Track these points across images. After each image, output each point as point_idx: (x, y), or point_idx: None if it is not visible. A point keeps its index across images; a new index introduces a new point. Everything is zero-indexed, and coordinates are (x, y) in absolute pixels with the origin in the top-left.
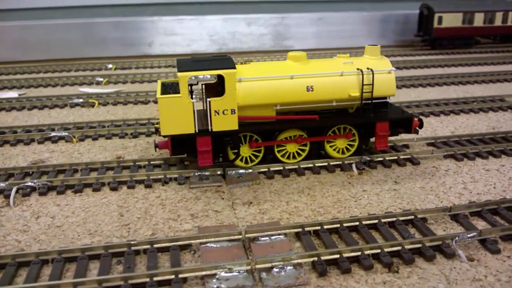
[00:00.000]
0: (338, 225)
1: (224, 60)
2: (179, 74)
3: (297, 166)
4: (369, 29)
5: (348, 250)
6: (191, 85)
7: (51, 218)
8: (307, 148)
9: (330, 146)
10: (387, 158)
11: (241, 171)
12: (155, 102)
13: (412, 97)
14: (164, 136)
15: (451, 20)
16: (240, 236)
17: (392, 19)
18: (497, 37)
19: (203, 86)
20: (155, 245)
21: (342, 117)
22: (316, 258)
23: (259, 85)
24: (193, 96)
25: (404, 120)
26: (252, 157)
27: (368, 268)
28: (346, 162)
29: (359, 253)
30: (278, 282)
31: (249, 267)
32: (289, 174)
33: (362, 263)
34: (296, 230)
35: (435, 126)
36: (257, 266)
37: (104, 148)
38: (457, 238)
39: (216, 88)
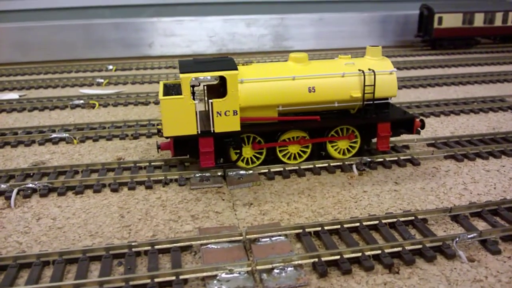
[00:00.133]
0: (338, 226)
1: (226, 62)
2: (181, 75)
3: (297, 167)
4: (369, 29)
5: (348, 251)
6: (193, 86)
7: (52, 220)
8: (309, 149)
9: (332, 147)
10: (387, 159)
11: (241, 172)
12: (156, 103)
13: (412, 97)
14: (166, 137)
15: (451, 20)
16: (241, 237)
17: (392, 19)
18: (497, 38)
19: (205, 87)
20: (156, 247)
21: (344, 118)
22: (316, 259)
23: (261, 86)
24: (195, 97)
25: (406, 121)
26: (254, 158)
27: (368, 269)
28: (346, 163)
29: (359, 254)
30: (279, 283)
31: (249, 268)
32: (290, 175)
33: (363, 264)
34: (296, 231)
35: (435, 127)
36: (258, 267)
37: (105, 149)
38: (457, 239)
39: (218, 89)
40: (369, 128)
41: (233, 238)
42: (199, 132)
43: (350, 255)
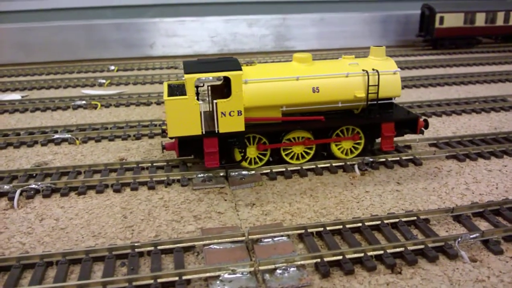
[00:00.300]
0: (340, 226)
1: (230, 62)
2: (185, 76)
3: (299, 168)
4: (371, 29)
5: (351, 251)
6: (197, 86)
7: (55, 220)
8: (313, 149)
9: (336, 147)
10: (389, 159)
11: (243, 172)
12: (157, 103)
13: (414, 97)
14: (171, 138)
15: (452, 20)
16: (243, 238)
17: (394, 19)
18: (498, 37)
19: (209, 87)
20: (159, 247)
21: (348, 118)
22: (319, 260)
23: (265, 86)
24: (199, 98)
25: (410, 121)
26: (257, 159)
27: (371, 269)
28: (348, 163)
29: (362, 254)
30: (282, 283)
31: (252, 269)
32: (292, 176)
33: (365, 264)
34: (299, 231)
35: (437, 127)
36: (261, 268)
37: (107, 150)
38: (459, 239)
39: (222, 90)
40: (373, 128)
41: (235, 239)
42: (204, 133)
43: (352, 255)
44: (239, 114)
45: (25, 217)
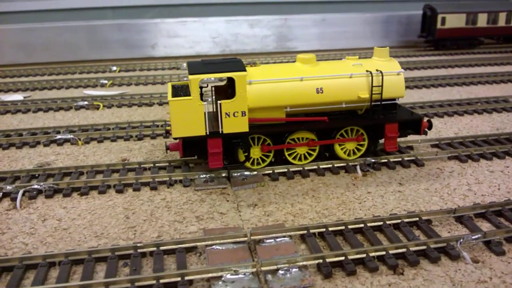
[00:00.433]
0: (343, 227)
1: (234, 63)
2: (190, 76)
3: (301, 168)
4: (372, 30)
5: (353, 252)
6: (201, 87)
7: (57, 221)
8: (316, 150)
9: (340, 148)
10: (391, 160)
11: (245, 173)
12: (160, 104)
13: (416, 98)
14: (175, 138)
15: (454, 20)
16: (246, 238)
17: (395, 20)
18: (500, 38)
19: (213, 88)
20: (161, 248)
21: (352, 119)
22: (321, 260)
23: (269, 87)
24: (203, 99)
25: (413, 122)
26: (260, 160)
27: (373, 270)
28: (350, 164)
29: (364, 255)
30: (284, 284)
31: (254, 269)
32: (294, 176)
33: (367, 265)
34: (301, 232)
35: (439, 128)
36: (263, 268)
37: (109, 150)
38: (461, 240)
39: (226, 91)
40: (376, 128)
41: (237, 239)
42: (208, 133)
43: (354, 256)
44: (243, 114)
45: (27, 217)
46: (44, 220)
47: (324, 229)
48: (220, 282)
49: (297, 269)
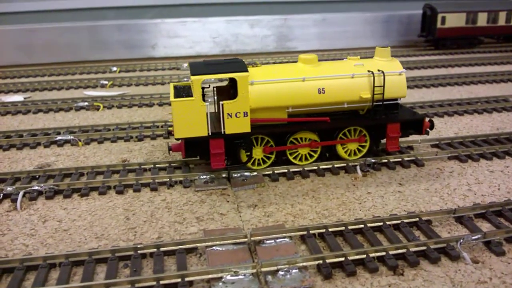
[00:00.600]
0: (343, 228)
1: (236, 63)
2: (192, 77)
3: (301, 169)
4: (373, 29)
5: (353, 253)
6: (203, 88)
7: (58, 222)
8: (318, 150)
9: (342, 148)
10: (391, 160)
11: (246, 173)
12: (160, 105)
13: (416, 98)
14: (177, 139)
15: (454, 20)
16: (246, 239)
17: (395, 19)
18: (500, 37)
19: (215, 89)
20: (161, 249)
21: (353, 119)
22: (321, 261)
23: (271, 87)
24: (205, 99)
25: (415, 121)
26: (261, 161)
27: (373, 271)
28: (350, 164)
29: (364, 256)
30: (284, 285)
31: (254, 270)
32: (294, 177)
33: (367, 266)
34: (301, 233)
35: (439, 127)
36: (263, 269)
37: (110, 151)
38: (461, 240)
39: (228, 91)
40: (378, 129)
41: (238, 240)
42: (210, 134)
43: (354, 256)
44: (245, 115)
45: (28, 218)
46: (45, 221)
47: (324, 230)
48: (220, 283)
49: (297, 270)
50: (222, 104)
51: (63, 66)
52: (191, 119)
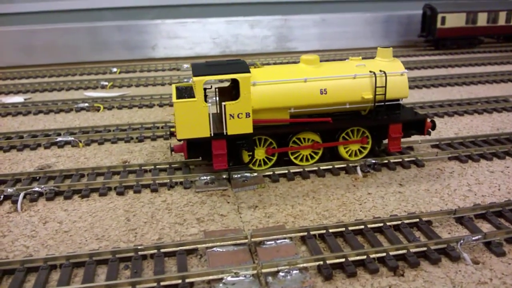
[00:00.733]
0: (343, 229)
1: (238, 64)
2: (194, 78)
3: (301, 170)
4: (372, 30)
5: (353, 254)
6: (205, 89)
7: (58, 223)
8: (320, 151)
9: (344, 149)
10: (391, 161)
11: (246, 174)
12: (160, 105)
13: (416, 98)
14: (180, 140)
15: (454, 20)
16: (246, 240)
17: (395, 19)
18: (500, 37)
19: (217, 90)
20: (162, 250)
21: (355, 120)
22: (321, 262)
23: (273, 88)
24: (208, 100)
25: (417, 122)
26: (262, 162)
27: (373, 272)
28: (350, 165)
29: (364, 257)
30: (284, 286)
31: (255, 272)
32: (294, 178)
33: (368, 267)
34: (301, 234)
35: (439, 128)
36: (263, 270)
37: (110, 152)
38: (462, 241)
39: (230, 92)
40: (380, 129)
41: (238, 241)
42: (212, 135)
43: (355, 257)
44: (247, 116)
45: (28, 220)
46: (45, 222)
47: (324, 231)
48: (221, 284)
49: (297, 271)
50: (224, 105)
51: (64, 67)
52: (193, 120)
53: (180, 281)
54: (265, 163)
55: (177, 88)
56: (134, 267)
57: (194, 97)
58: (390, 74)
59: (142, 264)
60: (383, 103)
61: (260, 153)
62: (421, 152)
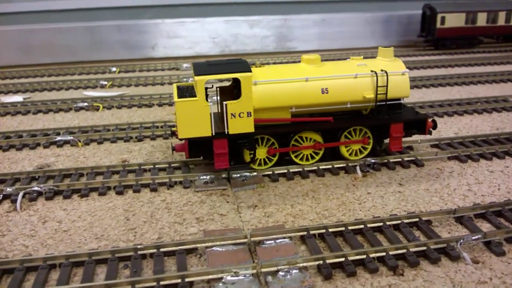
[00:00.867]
0: (343, 228)
1: (239, 64)
2: (196, 77)
3: (301, 169)
4: (372, 30)
5: (353, 253)
6: (206, 88)
7: (58, 223)
8: (322, 150)
9: (345, 148)
10: (391, 160)
11: (245, 174)
12: (159, 105)
13: (416, 98)
14: (181, 139)
15: (454, 20)
16: (246, 240)
17: (395, 19)
18: (500, 37)
19: (218, 89)
20: (162, 249)
21: (357, 119)
22: (321, 262)
23: (274, 88)
24: (209, 99)
25: (418, 121)
26: (262, 161)
27: (373, 271)
28: (350, 164)
29: (364, 256)
30: (284, 285)
31: (255, 271)
32: (294, 177)
33: (367, 266)
34: (301, 233)
35: (439, 128)
36: (263, 270)
37: (109, 152)
38: (462, 241)
39: (231, 91)
40: (381, 128)
41: (238, 241)
42: (214, 134)
43: (354, 257)
44: (249, 115)
45: (28, 219)
46: (45, 222)
47: (324, 230)
48: (221, 284)
49: (297, 271)
50: (226, 104)
51: (63, 66)
52: (194, 119)
53: (179, 280)
54: (267, 163)
55: (178, 88)
56: (134, 266)
57: (195, 96)
58: (391, 74)
59: (142, 264)
60: (384, 103)
61: (261, 153)
62: (420, 152)
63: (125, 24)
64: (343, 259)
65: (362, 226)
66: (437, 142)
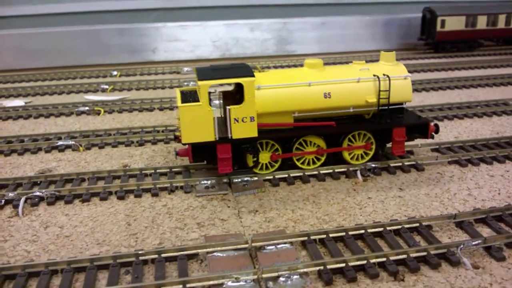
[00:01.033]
0: (343, 233)
1: (242, 68)
2: (200, 82)
3: (302, 174)
4: (372, 33)
5: (353, 259)
6: (209, 93)
7: (59, 228)
8: (324, 155)
9: (347, 152)
10: (391, 165)
11: (246, 178)
12: (160, 109)
13: (416, 101)
14: (185, 144)
15: (454, 23)
16: (247, 245)
17: (395, 23)
18: (500, 40)
19: (221, 94)
20: (163, 255)
21: (359, 123)
22: (322, 267)
23: (277, 92)
24: (212, 104)
25: (421, 125)
26: (265, 166)
27: (373, 277)
28: (351, 169)
29: (364, 262)
30: None
31: (255, 277)
32: (294, 182)
33: (368, 272)
34: (302, 238)
35: (439, 132)
36: (264, 275)
37: (111, 156)
38: (462, 246)
39: (234, 96)
40: (384, 133)
41: (239, 246)
42: (217, 139)
43: (355, 262)
44: (252, 120)
45: (30, 224)
46: (46, 227)
47: (324, 236)
48: None
49: (298, 276)
50: (229, 109)
51: (64, 70)
52: (198, 124)
53: (180, 286)
54: (269, 167)
55: (181, 92)
56: (135, 272)
57: (198, 101)
58: (393, 78)
59: (143, 269)
60: (386, 107)
61: (264, 157)
62: (421, 156)
63: (126, 28)
64: (343, 264)
65: (362, 231)
66: (437, 146)
